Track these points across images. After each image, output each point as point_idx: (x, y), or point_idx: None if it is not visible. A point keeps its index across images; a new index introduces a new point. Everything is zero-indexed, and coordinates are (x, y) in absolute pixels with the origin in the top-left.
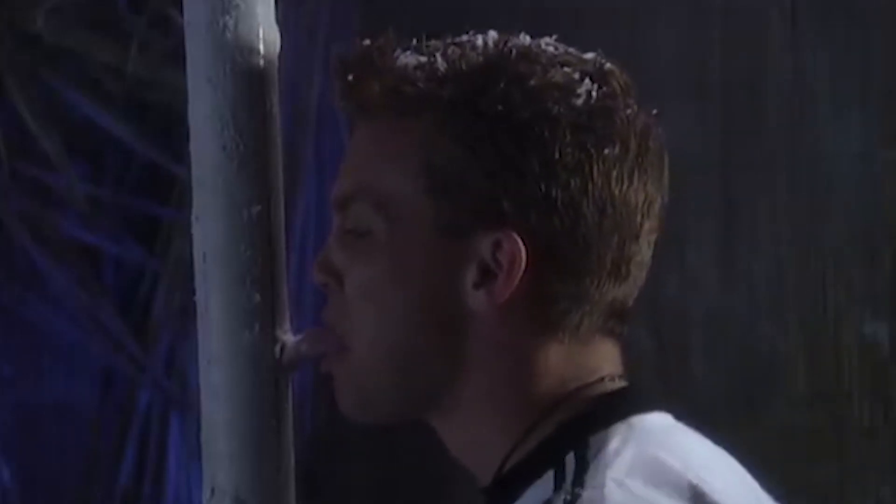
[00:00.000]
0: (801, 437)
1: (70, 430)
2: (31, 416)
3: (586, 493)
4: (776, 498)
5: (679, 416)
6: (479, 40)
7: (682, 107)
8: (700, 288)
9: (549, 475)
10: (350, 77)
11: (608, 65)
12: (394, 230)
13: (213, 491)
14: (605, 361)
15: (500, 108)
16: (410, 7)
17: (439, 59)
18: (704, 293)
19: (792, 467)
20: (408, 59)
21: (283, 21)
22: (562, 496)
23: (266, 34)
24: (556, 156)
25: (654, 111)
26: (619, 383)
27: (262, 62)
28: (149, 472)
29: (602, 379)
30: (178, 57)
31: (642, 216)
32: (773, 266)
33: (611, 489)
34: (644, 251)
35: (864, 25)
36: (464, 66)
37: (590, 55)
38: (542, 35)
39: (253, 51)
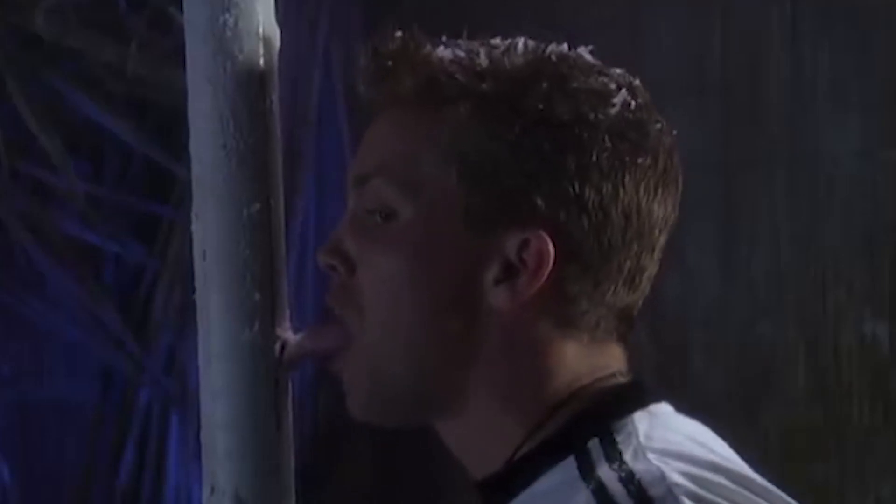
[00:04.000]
0: (800, 437)
1: (70, 428)
2: (31, 415)
3: (640, 467)
4: None
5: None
6: (519, 43)
7: (682, 107)
8: (700, 287)
9: (569, 461)
10: (383, 66)
11: (636, 81)
12: (420, 215)
13: (212, 490)
14: (613, 360)
15: (540, 107)
16: (410, 7)
17: (481, 55)
18: (704, 292)
19: (791, 466)
20: (443, 52)
21: (282, 20)
22: (609, 472)
23: (266, 33)
24: (593, 159)
25: (674, 131)
26: (629, 378)
27: (261, 61)
28: (148, 470)
29: (613, 374)
30: (178, 56)
31: (659, 230)
32: (773, 266)
33: (663, 466)
34: (654, 264)
35: (864, 25)
36: (506, 64)
37: (618, 70)
38: (542, 35)
39: (253, 49)
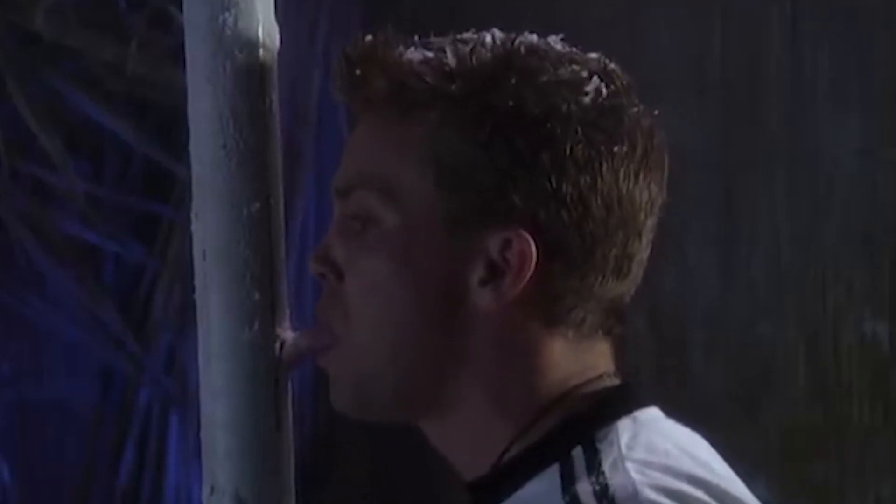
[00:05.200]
0: (800, 436)
1: (70, 428)
2: (31, 414)
3: (615, 481)
4: (773, 495)
5: (679, 415)
6: (487, 37)
7: (682, 106)
8: (700, 286)
9: (553, 469)
10: (354, 71)
11: (612, 64)
12: (403, 223)
13: (212, 489)
14: (602, 358)
15: (510, 103)
16: (410, 6)
17: (448, 54)
18: (704, 291)
19: (791, 466)
20: (413, 54)
21: (282, 19)
22: (586, 485)
23: (266, 32)
24: (568, 152)
25: (656, 111)
26: (617, 380)
27: (261, 60)
28: (148, 470)
29: (601, 376)
30: (177, 55)
31: (645, 215)
32: (773, 265)
33: (639, 478)
34: (644, 249)
35: (864, 25)
36: (473, 62)
37: (593, 55)
38: (543, 33)
39: (252, 48)
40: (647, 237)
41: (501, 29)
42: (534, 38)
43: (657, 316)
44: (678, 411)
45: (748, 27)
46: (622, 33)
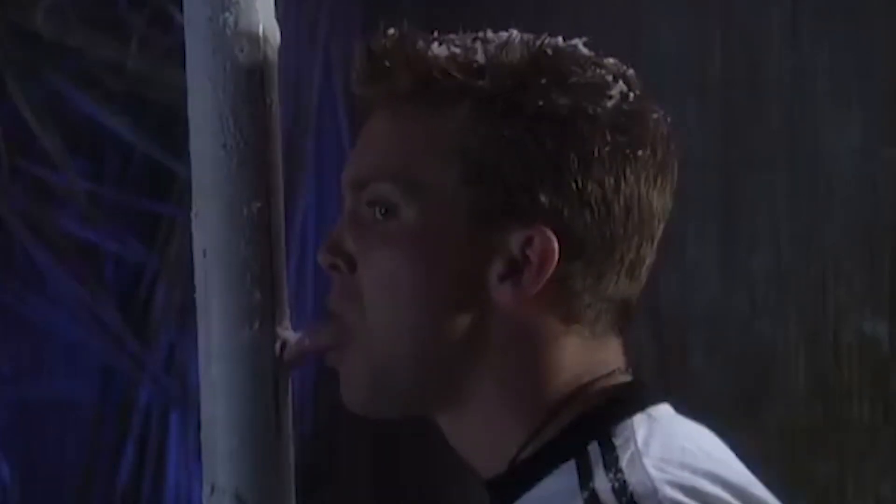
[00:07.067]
0: (800, 435)
1: (70, 427)
2: (32, 413)
3: (634, 478)
4: (773, 495)
5: (680, 414)
6: (514, 37)
7: (682, 106)
8: (700, 286)
9: (570, 465)
10: (379, 64)
11: (630, 69)
12: (423, 216)
13: (212, 488)
14: (613, 355)
15: (541, 103)
16: (410, 6)
17: (477, 51)
18: (704, 292)
19: (792, 465)
20: (438, 49)
21: (283, 19)
22: (604, 481)
23: (266, 31)
24: (595, 153)
25: (668, 118)
26: (629, 376)
27: (261, 59)
28: (149, 469)
29: (613, 372)
30: (178, 54)
31: (658, 220)
32: (773, 265)
33: (657, 475)
34: (653, 255)
35: (864, 25)
36: (503, 60)
37: (610, 59)
38: (541, 32)
39: (253, 48)
40: (657, 243)
41: (502, 29)
42: (559, 40)
43: (657, 316)
44: (678, 411)
45: (748, 27)
46: (622, 33)
